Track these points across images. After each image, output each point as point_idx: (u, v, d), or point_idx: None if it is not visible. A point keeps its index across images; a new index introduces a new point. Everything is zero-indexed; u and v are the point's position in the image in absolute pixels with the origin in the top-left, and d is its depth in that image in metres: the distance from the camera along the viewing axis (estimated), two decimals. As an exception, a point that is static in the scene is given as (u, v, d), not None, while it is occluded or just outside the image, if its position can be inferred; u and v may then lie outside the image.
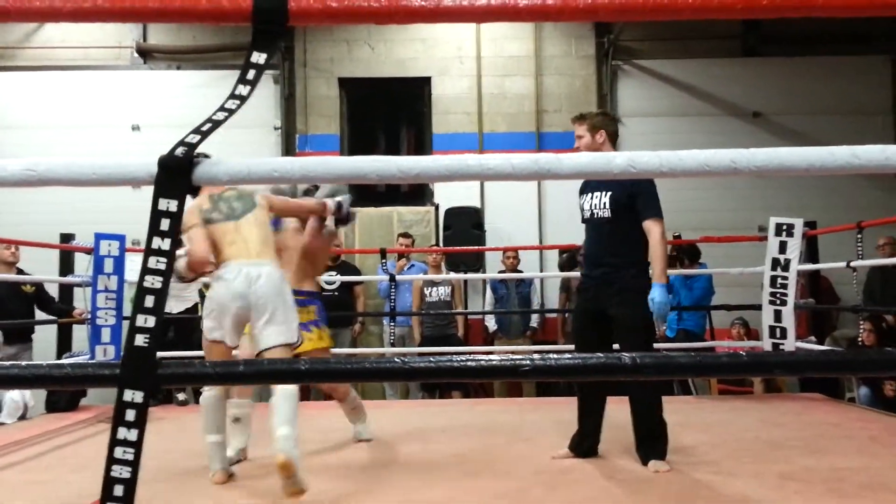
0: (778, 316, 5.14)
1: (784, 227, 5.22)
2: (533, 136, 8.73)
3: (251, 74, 1.37)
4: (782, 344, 5.08)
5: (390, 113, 9.29)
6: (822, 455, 3.46)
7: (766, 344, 5.20)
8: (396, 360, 1.23)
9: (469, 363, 1.25)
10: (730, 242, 6.33)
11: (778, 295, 5.15)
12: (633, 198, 3.33)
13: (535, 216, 8.51)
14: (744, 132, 8.50)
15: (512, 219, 8.45)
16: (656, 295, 3.23)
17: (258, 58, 1.37)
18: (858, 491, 2.88)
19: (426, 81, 8.87)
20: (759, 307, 5.37)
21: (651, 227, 3.30)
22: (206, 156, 1.47)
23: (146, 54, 8.80)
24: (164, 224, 1.20)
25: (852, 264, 5.03)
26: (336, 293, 7.12)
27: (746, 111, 8.64)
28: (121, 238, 5.04)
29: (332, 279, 7.04)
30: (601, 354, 1.27)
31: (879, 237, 6.86)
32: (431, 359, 1.23)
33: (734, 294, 6.51)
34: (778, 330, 5.13)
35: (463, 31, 8.73)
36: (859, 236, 5.02)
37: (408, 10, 1.40)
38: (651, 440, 3.31)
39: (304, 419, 3.35)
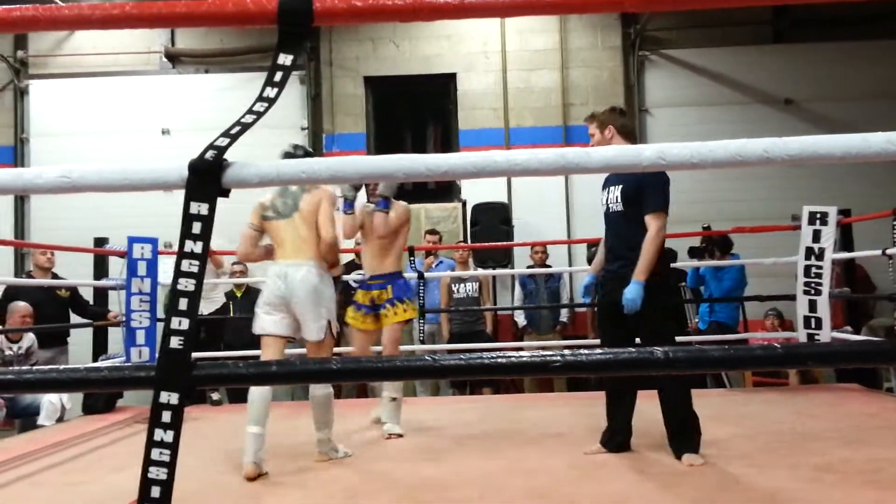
0: (813, 306, 5.06)
1: (818, 216, 5.13)
2: (560, 129, 8.68)
3: (278, 76, 1.38)
4: (817, 334, 4.99)
5: (416, 110, 9.30)
6: (858, 446, 3.41)
7: (801, 335, 5.12)
8: (427, 358, 1.23)
9: (500, 360, 1.25)
10: (762, 232, 6.22)
11: (812, 284, 5.06)
12: (641, 191, 3.31)
13: (562, 210, 8.46)
14: (775, 120, 8.37)
15: (540, 213, 8.41)
16: (627, 292, 3.19)
17: (285, 59, 1.38)
18: (886, 469, 2.83)
19: (452, 78, 8.86)
20: (793, 297, 5.28)
21: (649, 222, 3.28)
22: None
23: (174, 59, 8.91)
24: (196, 227, 1.21)
25: (888, 252, 4.92)
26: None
27: (778, 98, 8.50)
28: (153, 241, 5.11)
29: (361, 277, 7.08)
30: (633, 350, 1.26)
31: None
32: (462, 357, 1.23)
33: (768, 284, 6.41)
34: (813, 320, 5.04)
35: (488, 26, 8.70)
36: (895, 223, 4.92)
37: (432, 6, 1.40)
38: (683, 433, 3.29)
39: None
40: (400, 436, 4.01)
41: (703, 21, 8.48)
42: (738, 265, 6.49)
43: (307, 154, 3.83)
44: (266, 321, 3.50)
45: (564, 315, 7.18)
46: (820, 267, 5.05)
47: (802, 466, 3.11)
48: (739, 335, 6.09)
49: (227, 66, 8.74)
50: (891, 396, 5.14)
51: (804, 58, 8.48)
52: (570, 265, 8.12)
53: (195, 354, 1.20)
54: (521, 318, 7.18)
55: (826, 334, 5.00)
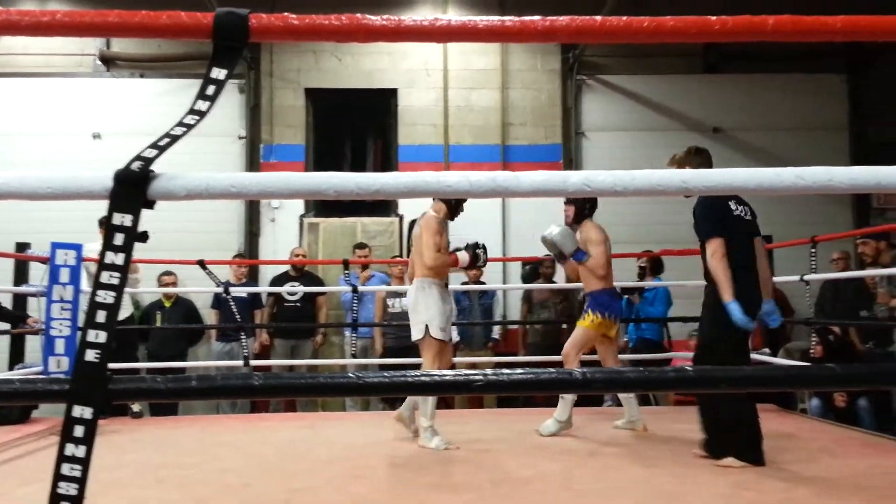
0: (734, 329, 5.23)
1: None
2: (498, 148, 8.79)
3: (211, 90, 1.37)
4: (738, 356, 5.16)
5: (357, 124, 9.29)
6: (774, 465, 3.54)
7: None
8: (351, 375, 1.24)
9: (423, 378, 1.27)
10: (689, 255, 6.42)
11: (734, 308, 5.24)
12: (696, 224, 3.57)
13: (498, 228, 8.56)
14: (704, 146, 8.63)
15: (475, 231, 8.44)
16: (730, 313, 3.40)
17: (218, 73, 1.38)
18: (811, 499, 2.95)
19: (393, 93, 8.89)
20: (716, 320, 5.46)
21: (707, 248, 3.50)
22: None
23: (109, 62, 8.69)
24: (119, 239, 1.19)
25: (805, 278, 5.15)
26: (298, 304, 7.10)
27: (707, 126, 8.81)
28: (78, 248, 4.95)
29: (294, 290, 7.02)
30: (553, 370, 1.30)
31: (834, 252, 7.04)
32: (386, 374, 1.24)
33: (693, 306, 6.60)
34: (734, 342, 5.21)
35: (430, 44, 8.77)
36: (813, 250, 5.15)
37: (368, 28, 1.41)
38: (718, 439, 3.53)
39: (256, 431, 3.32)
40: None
41: (637, 50, 8.73)
42: (665, 287, 6.69)
43: None
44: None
45: (496, 332, 7.24)
46: (742, 291, 5.23)
47: (720, 483, 3.21)
48: (664, 355, 6.26)
49: (164, 72, 8.56)
50: (805, 417, 5.35)
51: (733, 88, 8.81)
52: (504, 283, 8.20)
53: (116, 365, 1.18)
54: (453, 335, 7.21)
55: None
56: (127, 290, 6.03)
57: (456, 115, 8.84)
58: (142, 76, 8.67)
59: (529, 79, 8.98)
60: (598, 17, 1.42)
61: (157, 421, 5.47)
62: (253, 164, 8.56)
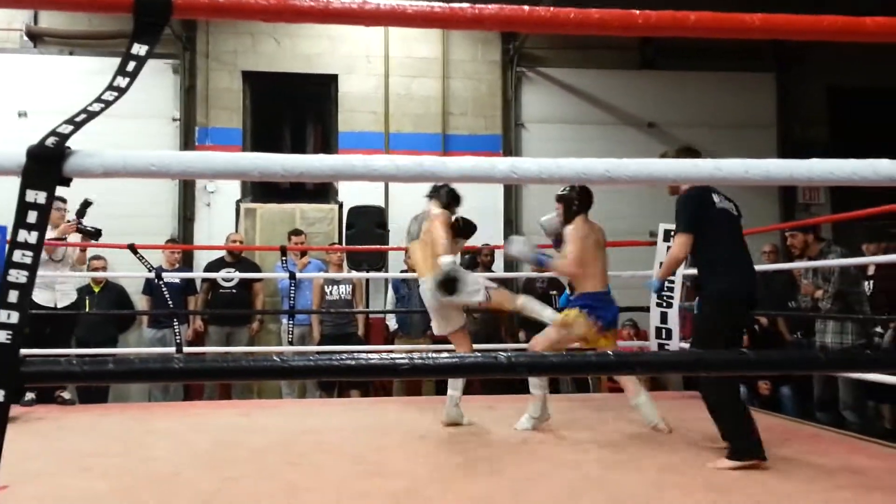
0: (664, 317, 5.39)
1: (672, 233, 5.46)
2: (439, 137, 8.80)
3: (131, 66, 1.34)
4: (667, 344, 5.32)
5: (296, 109, 9.16)
6: (697, 450, 3.66)
7: (653, 344, 5.44)
8: (276, 358, 1.23)
9: (348, 362, 1.27)
10: (623, 247, 6.56)
11: (664, 297, 5.39)
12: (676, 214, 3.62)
13: (439, 217, 8.56)
14: (639, 141, 8.84)
15: (416, 219, 8.48)
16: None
17: (139, 49, 1.35)
18: (733, 483, 3.06)
19: (333, 79, 8.80)
20: (647, 309, 5.61)
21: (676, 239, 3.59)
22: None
23: (37, 38, 8.35)
24: (32, 216, 1.16)
25: (732, 270, 5.31)
26: (234, 290, 6.99)
27: (642, 121, 8.99)
28: (2, 230, 4.76)
29: (230, 276, 6.91)
30: (478, 354, 1.31)
31: (765, 244, 7.29)
32: (311, 357, 1.24)
33: (626, 296, 6.75)
34: (664, 331, 5.37)
35: (371, 30, 8.69)
36: (741, 243, 5.31)
37: (296, 9, 1.40)
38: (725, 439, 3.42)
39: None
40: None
41: (576, 43, 8.85)
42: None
43: (450, 193, 4.50)
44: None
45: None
46: (672, 281, 5.39)
47: (647, 468, 3.30)
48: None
49: (95, 49, 8.27)
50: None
51: (667, 84, 9.02)
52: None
53: (43, 351, 1.14)
54: (392, 322, 7.21)
55: (675, 344, 5.34)
56: (67, 275, 5.87)
57: (397, 102, 8.81)
58: (71, 53, 8.36)
59: (471, 69, 9.01)
60: (526, 7, 1.44)
61: (86, 408, 5.32)
62: (188, 147, 8.36)
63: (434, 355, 1.30)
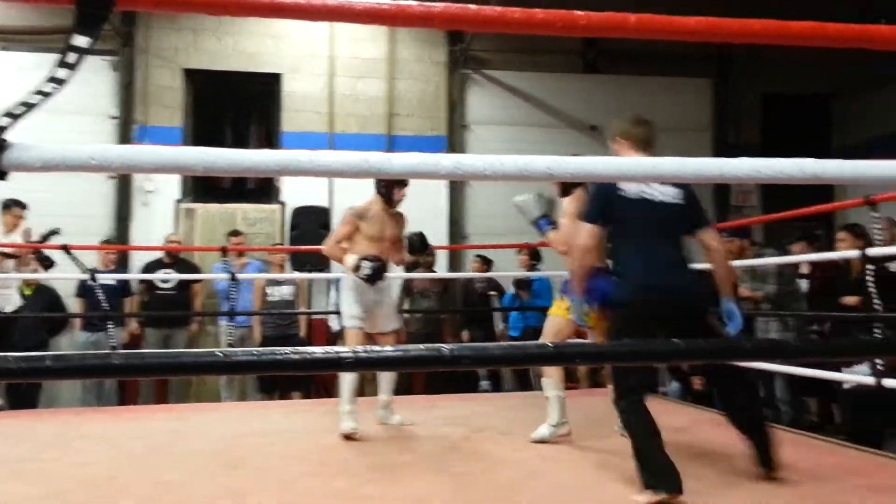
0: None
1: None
2: (384, 138, 8.79)
3: (72, 58, 1.31)
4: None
5: (239, 108, 9.02)
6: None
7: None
8: (217, 352, 1.22)
9: (292, 356, 1.26)
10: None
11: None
12: None
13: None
14: (582, 144, 8.99)
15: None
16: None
17: (81, 41, 1.32)
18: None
19: (276, 78, 8.70)
20: (589, 308, 5.70)
21: None
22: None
23: (-35, 30, 8.04)
24: (-35, 208, 1.12)
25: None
26: (172, 292, 6.85)
27: (585, 124, 9.14)
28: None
29: (168, 277, 6.76)
30: (422, 346, 1.32)
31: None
32: (254, 351, 1.23)
33: (568, 297, 6.89)
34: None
35: (316, 28, 8.64)
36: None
37: (241, 3, 1.39)
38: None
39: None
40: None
41: (520, 46, 8.95)
42: (545, 276, 6.94)
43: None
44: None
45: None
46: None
47: (584, 463, 3.37)
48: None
49: (31, 45, 7.99)
50: (665, 400, 5.68)
51: (609, 88, 9.18)
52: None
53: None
54: (335, 323, 7.16)
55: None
56: (10, 276, 5.66)
57: (342, 103, 8.76)
58: (5, 49, 8.07)
59: (417, 70, 9.02)
60: (473, 6, 1.46)
61: (15, 414, 5.14)
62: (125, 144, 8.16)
63: (378, 349, 1.31)
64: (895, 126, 8.52)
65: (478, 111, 9.10)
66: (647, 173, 1.43)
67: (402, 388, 6.69)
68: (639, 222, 3.13)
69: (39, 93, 1.31)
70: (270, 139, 8.88)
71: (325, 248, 4.36)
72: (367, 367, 1.28)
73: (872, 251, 3.66)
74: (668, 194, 3.15)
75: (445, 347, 1.29)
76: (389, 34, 8.89)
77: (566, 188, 4.01)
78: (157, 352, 1.29)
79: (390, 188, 4.37)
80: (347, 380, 4.20)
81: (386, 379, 4.51)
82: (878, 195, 3.84)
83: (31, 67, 7.72)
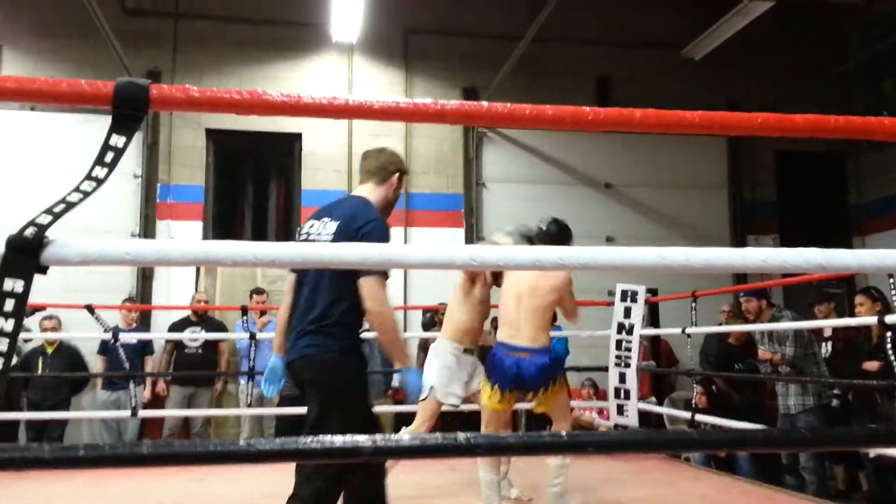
0: (622, 377, 5.48)
1: (629, 294, 5.61)
2: (402, 195, 8.90)
3: (109, 157, 1.40)
4: (626, 403, 5.40)
5: (259, 166, 9.21)
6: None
7: (612, 404, 5.52)
8: (241, 443, 1.27)
9: (313, 445, 1.31)
10: (580, 306, 6.68)
11: (623, 357, 5.50)
12: None
13: (400, 275, 8.63)
14: (596, 200, 9.08)
15: (378, 277, 8.52)
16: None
17: (117, 141, 1.40)
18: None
19: (297, 137, 8.90)
20: (605, 369, 5.69)
21: None
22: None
23: (-4, 92, 8.33)
24: (9, 304, 1.20)
25: (687, 331, 5.45)
26: (199, 351, 6.91)
27: (599, 182, 9.24)
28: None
29: (195, 336, 6.83)
30: (439, 436, 1.37)
31: (724, 304, 7.45)
32: (276, 441, 1.28)
33: (586, 355, 6.86)
34: (622, 391, 5.45)
35: (335, 88, 8.86)
36: (693, 304, 5.46)
37: (268, 103, 1.48)
38: None
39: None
40: None
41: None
42: (564, 336, 6.91)
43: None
44: None
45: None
46: (630, 341, 5.50)
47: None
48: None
49: (56, 105, 8.28)
50: (688, 466, 5.60)
51: (623, 147, 9.29)
52: (405, 330, 8.25)
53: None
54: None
55: (633, 404, 5.42)
56: (34, 335, 5.74)
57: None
58: (32, 109, 8.34)
59: (433, 129, 9.20)
60: (485, 104, 1.54)
61: (36, 475, 5.17)
62: (149, 203, 8.34)
63: (396, 437, 1.35)
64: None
65: (493, 169, 9.23)
66: (656, 264, 1.48)
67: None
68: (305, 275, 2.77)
69: (78, 191, 1.39)
70: (290, 197, 9.03)
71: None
72: (386, 455, 1.32)
73: (890, 318, 3.63)
74: (325, 230, 2.77)
75: (462, 436, 1.33)
76: (406, 93, 9.10)
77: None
78: (183, 442, 1.34)
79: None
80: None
81: None
82: None
83: (58, 128, 7.98)
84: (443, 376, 3.82)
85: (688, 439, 1.33)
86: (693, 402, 5.49)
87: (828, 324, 5.40)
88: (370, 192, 2.90)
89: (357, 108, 1.52)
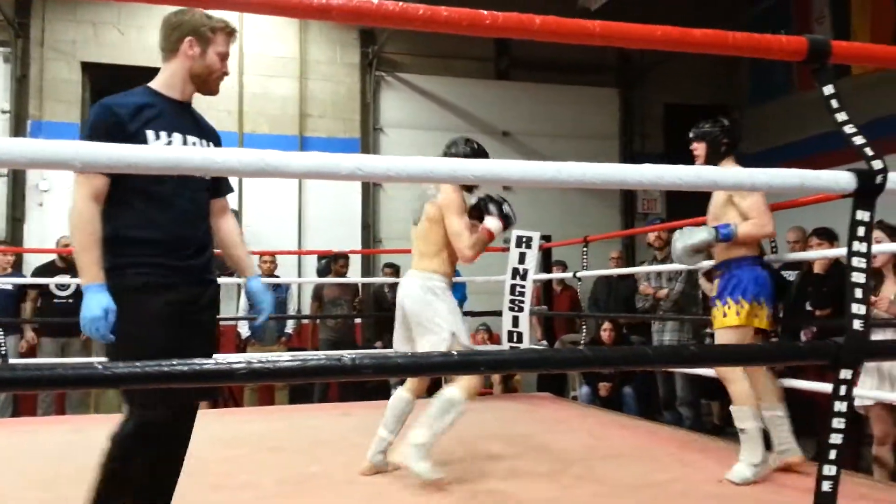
0: (516, 321, 5.54)
1: (524, 240, 5.64)
2: (296, 139, 8.63)
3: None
4: (519, 347, 5.47)
5: (142, 104, 8.65)
6: (548, 447, 3.77)
7: (506, 347, 5.57)
8: (97, 365, 1.13)
9: (181, 367, 1.18)
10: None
11: (516, 302, 5.54)
12: None
13: (294, 220, 8.39)
14: (494, 150, 8.91)
15: (271, 222, 8.26)
16: None
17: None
18: (568, 468, 3.18)
19: (184, 74, 8.40)
20: (500, 313, 5.74)
21: None
22: None
23: None
24: None
25: (578, 275, 5.55)
26: (70, 300, 6.48)
27: (497, 130, 9.23)
28: None
29: (66, 282, 6.40)
30: (322, 355, 1.27)
31: (612, 251, 7.65)
32: (137, 364, 1.14)
33: (481, 301, 6.91)
34: (515, 334, 5.52)
35: (224, 25, 8.38)
36: (585, 249, 5.55)
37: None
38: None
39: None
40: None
41: (434, 51, 8.96)
42: (463, 282, 6.92)
43: (475, 152, 3.41)
44: (395, 337, 3.30)
45: (290, 326, 7.07)
46: (523, 286, 5.55)
47: (497, 471, 3.37)
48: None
49: None
50: (574, 403, 5.77)
51: (521, 95, 9.32)
52: (300, 276, 8.07)
53: None
54: (244, 329, 6.96)
55: (526, 347, 5.49)
56: None
57: (252, 102, 8.55)
58: None
59: (329, 71, 8.91)
60: (376, 1, 1.41)
61: None
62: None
63: (274, 359, 1.24)
64: (790, 137, 8.95)
65: (391, 114, 9.06)
66: (553, 178, 1.42)
67: (318, 396, 6.61)
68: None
69: None
70: (176, 138, 8.56)
71: (470, 249, 3.11)
72: (262, 379, 1.21)
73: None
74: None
75: (346, 356, 1.24)
76: (300, 33, 8.74)
77: (715, 152, 3.36)
78: (39, 365, 1.18)
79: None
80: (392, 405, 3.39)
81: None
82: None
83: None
84: (458, 320, 3.19)
85: (582, 357, 1.29)
86: (582, 340, 5.64)
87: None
88: (160, 75, 2.44)
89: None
